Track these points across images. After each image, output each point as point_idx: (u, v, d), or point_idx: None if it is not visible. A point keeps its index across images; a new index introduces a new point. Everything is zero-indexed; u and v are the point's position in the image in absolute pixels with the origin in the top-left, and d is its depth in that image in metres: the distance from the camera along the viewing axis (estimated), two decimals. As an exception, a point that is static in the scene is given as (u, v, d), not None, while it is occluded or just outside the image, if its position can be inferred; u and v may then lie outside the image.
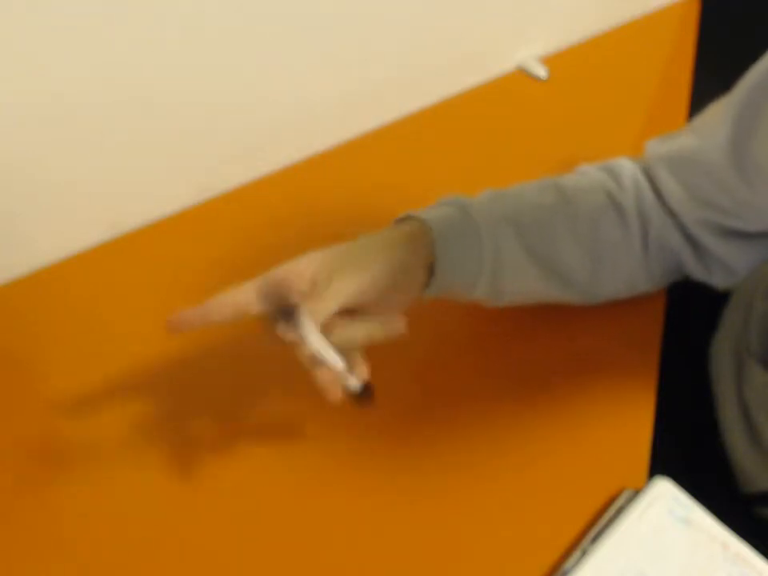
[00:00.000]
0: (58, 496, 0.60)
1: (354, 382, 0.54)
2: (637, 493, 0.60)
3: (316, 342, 0.52)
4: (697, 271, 0.67)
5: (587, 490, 0.62)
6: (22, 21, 0.58)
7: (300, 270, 0.56)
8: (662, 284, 0.71)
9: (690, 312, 0.76)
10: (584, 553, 0.57)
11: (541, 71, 0.99)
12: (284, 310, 0.52)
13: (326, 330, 0.54)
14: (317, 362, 0.53)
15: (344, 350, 0.54)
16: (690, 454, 0.70)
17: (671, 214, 0.65)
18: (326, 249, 0.58)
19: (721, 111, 0.60)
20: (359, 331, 0.56)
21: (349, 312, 0.56)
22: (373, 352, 0.57)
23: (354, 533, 0.60)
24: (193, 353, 0.68)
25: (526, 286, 0.65)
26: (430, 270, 0.60)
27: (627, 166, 0.67)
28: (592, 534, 0.59)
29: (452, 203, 0.64)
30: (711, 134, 0.60)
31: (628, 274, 0.67)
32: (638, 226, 0.65)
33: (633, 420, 0.67)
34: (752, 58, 0.59)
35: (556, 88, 0.98)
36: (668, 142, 0.66)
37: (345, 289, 0.55)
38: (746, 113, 0.57)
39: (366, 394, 0.55)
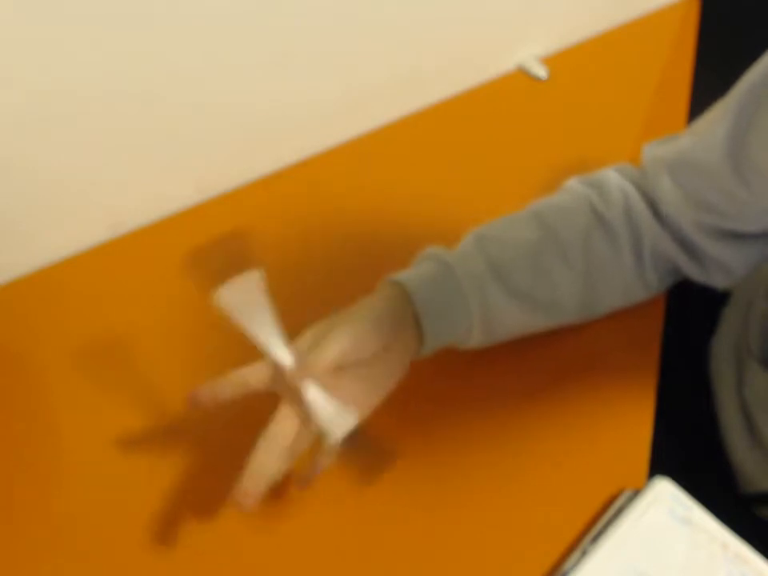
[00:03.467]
0: (58, 496, 0.60)
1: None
2: (637, 493, 0.60)
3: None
4: (695, 273, 0.67)
5: (587, 490, 0.63)
6: (23, 21, 0.58)
7: (302, 337, 0.55)
8: (661, 289, 0.71)
9: (689, 312, 0.76)
10: (584, 553, 0.57)
11: (541, 71, 0.99)
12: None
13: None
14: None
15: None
16: (690, 454, 0.70)
17: (664, 221, 0.65)
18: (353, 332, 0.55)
19: (719, 113, 0.60)
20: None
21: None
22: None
23: (354, 532, 0.60)
24: (193, 352, 0.68)
25: (520, 326, 0.66)
26: (418, 334, 0.60)
27: (614, 179, 0.67)
28: (592, 534, 0.59)
29: (433, 258, 0.63)
30: (709, 136, 0.60)
31: (623, 286, 0.67)
32: (627, 238, 0.65)
33: (633, 420, 0.68)
34: (752, 58, 0.59)
35: (556, 88, 0.98)
36: (666, 145, 0.66)
37: (340, 336, 0.54)
38: (743, 115, 0.57)
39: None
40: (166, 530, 0.59)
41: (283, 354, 0.52)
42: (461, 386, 0.68)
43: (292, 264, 0.76)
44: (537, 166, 0.86)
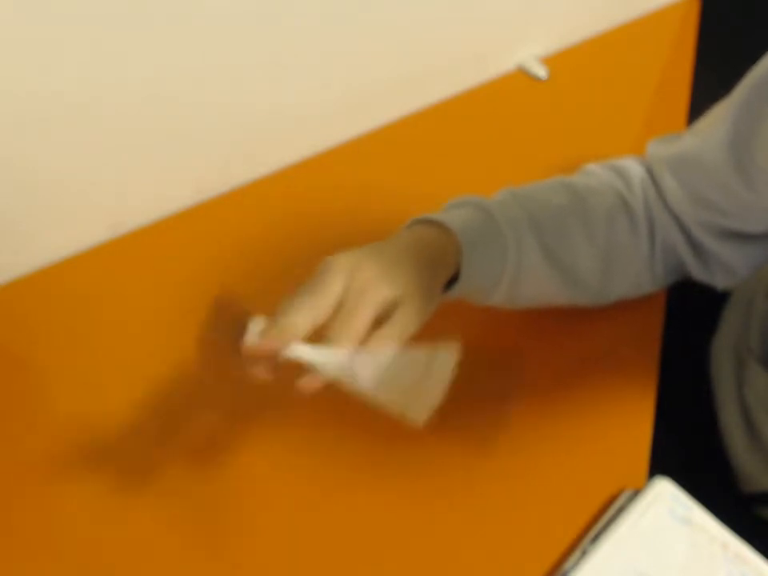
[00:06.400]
0: (58, 496, 0.60)
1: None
2: (637, 493, 0.60)
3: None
4: (698, 272, 0.67)
5: (587, 490, 0.63)
6: (23, 21, 0.58)
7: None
8: (664, 284, 0.71)
9: (690, 312, 0.76)
10: (584, 553, 0.57)
11: (541, 71, 0.99)
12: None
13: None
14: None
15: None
16: (690, 454, 0.70)
17: (674, 215, 0.65)
18: (364, 256, 0.54)
19: (721, 113, 0.60)
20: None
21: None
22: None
23: (354, 532, 0.60)
24: (194, 352, 0.68)
25: (540, 289, 0.65)
26: (452, 272, 0.59)
27: (636, 168, 0.67)
28: (592, 534, 0.59)
29: (472, 204, 0.63)
30: (712, 135, 0.60)
31: (635, 275, 0.67)
32: (646, 228, 0.66)
33: (633, 420, 0.68)
34: (752, 58, 0.59)
35: (556, 88, 0.98)
36: (669, 143, 0.66)
37: (409, 317, 0.52)
38: (746, 114, 0.57)
39: None
40: (166, 530, 0.59)
41: (330, 355, 0.49)
42: (459, 386, 0.68)
43: (292, 264, 0.76)
44: (537, 165, 0.86)
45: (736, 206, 0.61)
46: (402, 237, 0.59)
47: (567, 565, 0.57)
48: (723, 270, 0.66)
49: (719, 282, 0.67)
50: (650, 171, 0.67)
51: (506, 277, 0.61)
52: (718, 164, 0.59)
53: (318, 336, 0.51)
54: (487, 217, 0.61)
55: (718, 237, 0.64)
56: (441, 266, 0.58)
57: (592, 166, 0.69)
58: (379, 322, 0.52)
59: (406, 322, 0.52)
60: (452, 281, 0.60)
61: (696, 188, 0.63)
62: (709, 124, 0.62)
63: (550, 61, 1.00)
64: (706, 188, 0.62)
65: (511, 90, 0.98)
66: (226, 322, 0.52)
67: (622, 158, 0.70)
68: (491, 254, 0.60)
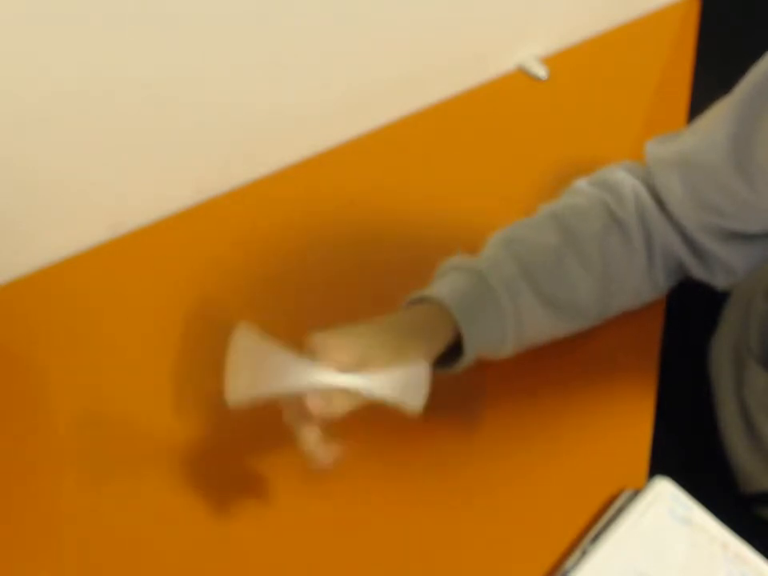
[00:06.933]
0: (58, 496, 0.60)
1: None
2: (637, 493, 0.60)
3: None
4: (698, 271, 0.67)
5: (587, 490, 0.63)
6: (23, 21, 0.58)
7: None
8: (666, 289, 0.71)
9: (690, 312, 0.76)
10: (584, 553, 0.57)
11: (541, 71, 0.99)
12: None
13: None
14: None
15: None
16: (690, 454, 0.70)
17: (672, 218, 0.65)
18: (355, 334, 0.56)
19: (721, 111, 0.60)
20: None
21: None
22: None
23: (355, 532, 0.60)
24: (193, 352, 0.68)
25: (544, 332, 0.66)
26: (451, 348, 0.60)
27: (626, 179, 0.67)
28: (592, 534, 0.59)
29: (462, 268, 0.63)
30: (712, 135, 0.60)
31: (635, 287, 0.67)
32: (641, 238, 0.65)
33: (633, 420, 0.68)
34: (752, 58, 0.59)
35: (556, 88, 0.98)
36: (668, 143, 0.66)
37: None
38: (747, 114, 0.57)
39: None
40: (166, 529, 0.59)
41: (325, 378, 0.51)
42: (459, 386, 0.68)
43: (292, 264, 0.76)
44: (537, 165, 0.86)
45: (736, 206, 0.61)
46: (389, 319, 0.59)
47: (567, 565, 0.57)
48: (723, 269, 0.66)
49: (719, 281, 0.67)
50: (646, 175, 0.67)
51: (508, 335, 0.62)
52: (718, 164, 0.59)
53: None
54: (480, 282, 0.62)
55: (718, 237, 0.64)
56: (425, 339, 0.58)
57: (580, 184, 0.69)
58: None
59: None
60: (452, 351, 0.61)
61: (696, 188, 0.63)
62: (708, 123, 0.62)
63: (550, 61, 1.00)
64: (706, 188, 0.62)
65: (511, 90, 0.98)
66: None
67: (614, 165, 0.69)
68: (490, 322, 0.61)
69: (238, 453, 0.63)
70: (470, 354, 0.61)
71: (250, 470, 0.62)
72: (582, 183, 0.69)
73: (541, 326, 0.64)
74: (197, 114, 0.74)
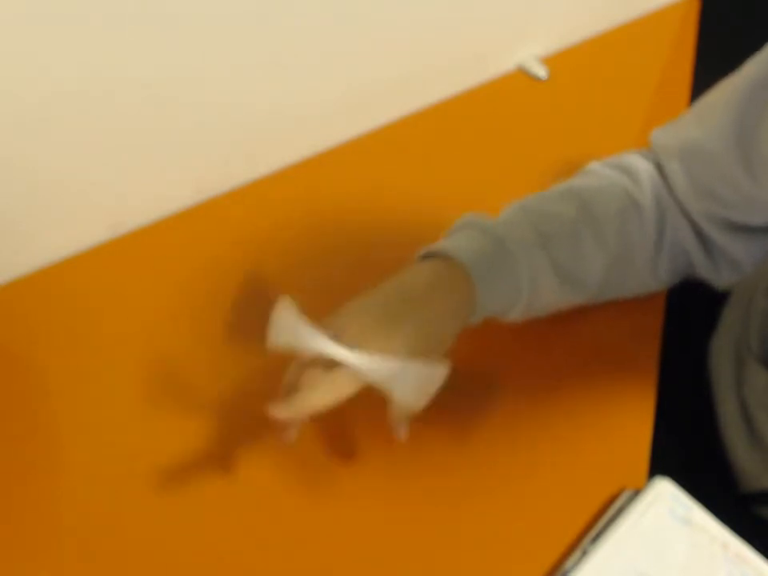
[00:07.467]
0: (59, 496, 0.60)
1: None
2: (637, 493, 0.60)
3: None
4: (705, 268, 0.67)
5: (587, 490, 0.63)
6: (23, 21, 0.58)
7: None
8: (665, 285, 0.71)
9: (689, 311, 0.76)
10: (584, 553, 0.57)
11: (541, 71, 0.99)
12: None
13: None
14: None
15: None
16: (690, 454, 0.70)
17: (682, 206, 0.65)
18: (363, 309, 0.57)
19: (725, 101, 0.59)
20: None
21: None
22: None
23: (355, 532, 0.60)
24: (194, 352, 0.68)
25: (552, 302, 0.65)
26: (472, 306, 0.59)
27: (642, 163, 0.67)
28: (592, 534, 0.59)
29: (479, 228, 0.62)
30: (715, 125, 0.60)
31: (639, 274, 0.67)
32: (653, 224, 0.65)
33: (633, 420, 0.68)
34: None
35: (556, 88, 0.98)
36: (674, 132, 0.66)
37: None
38: (751, 106, 0.57)
39: None
40: (167, 529, 0.59)
41: (348, 354, 0.53)
42: (459, 385, 0.68)
43: (292, 264, 0.76)
44: (537, 165, 0.86)
45: (738, 197, 0.61)
46: (409, 279, 0.58)
47: (567, 565, 0.57)
48: (729, 263, 0.66)
49: (724, 277, 0.67)
50: (656, 163, 0.67)
51: (521, 301, 0.62)
52: (721, 155, 0.59)
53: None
54: (497, 244, 0.61)
55: (723, 228, 0.64)
56: (460, 303, 0.58)
57: (595, 165, 0.69)
58: None
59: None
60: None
61: (700, 178, 0.63)
62: (712, 111, 0.61)
63: (550, 61, 1.00)
64: (711, 178, 0.62)
65: (511, 90, 0.98)
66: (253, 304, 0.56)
67: (626, 152, 0.69)
68: (506, 284, 0.61)
69: (238, 452, 0.63)
70: (480, 315, 0.60)
71: (251, 469, 0.62)
72: (596, 165, 0.69)
73: (553, 294, 0.64)
74: (197, 113, 0.74)
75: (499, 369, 0.69)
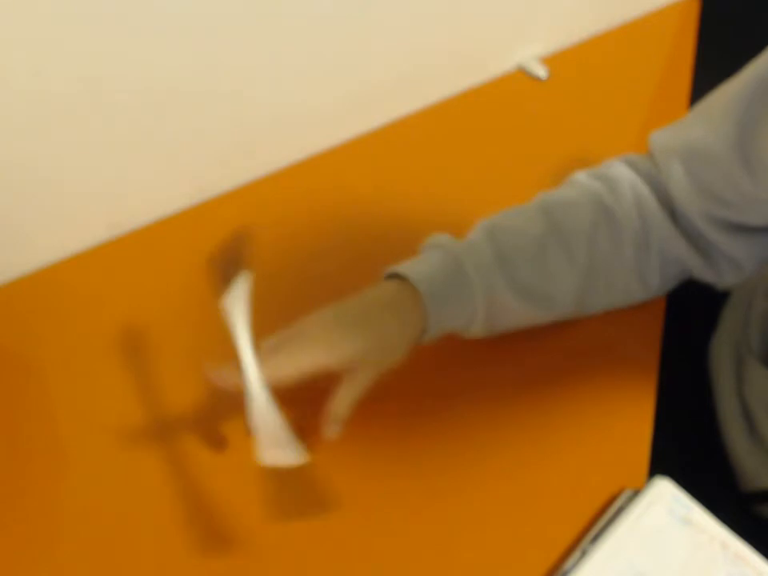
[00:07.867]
0: (59, 495, 0.60)
1: None
2: (637, 493, 0.60)
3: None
4: (705, 274, 0.67)
5: (587, 490, 0.63)
6: (21, 21, 0.58)
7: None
8: (661, 292, 0.70)
9: (689, 311, 0.76)
10: (584, 553, 0.57)
11: (541, 71, 0.99)
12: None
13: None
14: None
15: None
16: (690, 454, 0.70)
17: (678, 219, 0.65)
18: (327, 313, 0.60)
19: (727, 102, 0.59)
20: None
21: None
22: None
23: (354, 532, 0.60)
24: (193, 352, 0.68)
25: (518, 319, 0.67)
26: (421, 326, 0.61)
27: (625, 174, 0.67)
28: (592, 534, 0.59)
29: (442, 249, 0.64)
30: (717, 126, 0.60)
31: (623, 284, 0.67)
32: (632, 234, 0.65)
33: (633, 420, 0.68)
34: (752, 58, 0.59)
35: (556, 88, 0.98)
36: (674, 133, 0.66)
37: (299, 353, 0.58)
38: (753, 108, 0.57)
39: None
40: (167, 529, 0.59)
41: (249, 361, 0.55)
42: (460, 385, 0.68)
43: (292, 264, 0.76)
44: (536, 165, 0.86)
45: (740, 198, 0.61)
46: (367, 296, 0.62)
47: (567, 565, 0.57)
48: (730, 265, 0.66)
49: (727, 279, 0.67)
50: (650, 168, 0.67)
51: (477, 319, 0.63)
52: (723, 156, 0.59)
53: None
54: (455, 264, 0.63)
55: (724, 230, 0.64)
56: (407, 323, 0.61)
57: (579, 175, 0.69)
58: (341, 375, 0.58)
59: (361, 379, 0.59)
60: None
61: (702, 178, 0.63)
62: (714, 113, 0.61)
63: (550, 61, 1.00)
64: (712, 178, 0.62)
65: (511, 90, 0.98)
66: (224, 262, 0.58)
67: (616, 159, 0.69)
68: (458, 304, 0.63)
69: (238, 452, 0.63)
70: (436, 332, 0.62)
71: (251, 468, 0.62)
72: (581, 175, 0.69)
73: (514, 313, 0.65)
74: (197, 113, 0.74)
75: (499, 369, 0.69)
